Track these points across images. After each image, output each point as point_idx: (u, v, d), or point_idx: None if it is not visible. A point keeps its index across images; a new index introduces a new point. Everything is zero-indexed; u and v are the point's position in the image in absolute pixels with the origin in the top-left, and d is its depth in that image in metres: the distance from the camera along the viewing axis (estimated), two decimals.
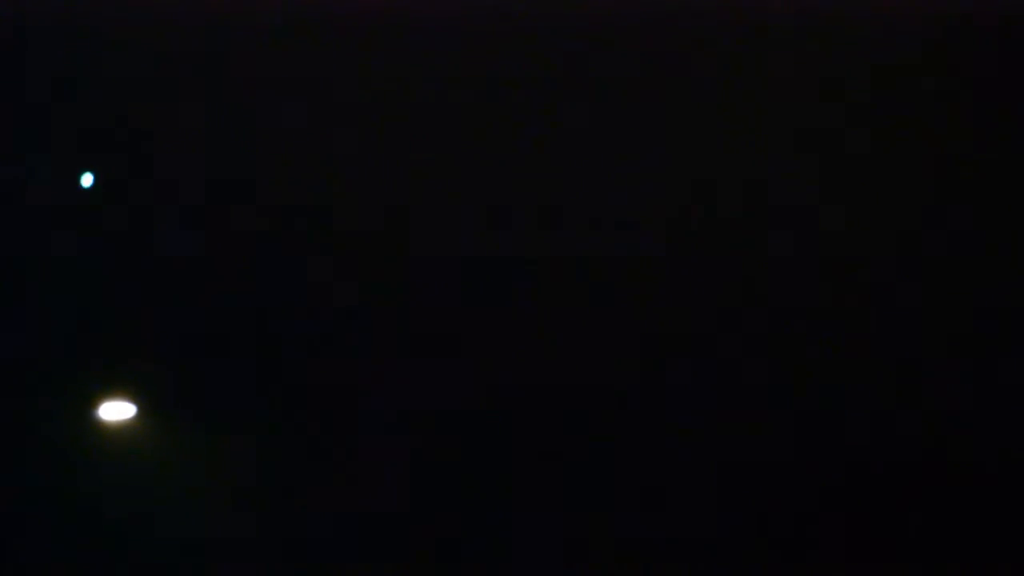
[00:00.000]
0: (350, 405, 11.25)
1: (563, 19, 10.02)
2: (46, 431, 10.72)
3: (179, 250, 10.74)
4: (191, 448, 10.74)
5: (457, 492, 10.65)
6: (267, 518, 10.57)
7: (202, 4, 10.19)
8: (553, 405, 10.80)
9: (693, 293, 10.67)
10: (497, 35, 10.09)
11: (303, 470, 10.80)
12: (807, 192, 10.64)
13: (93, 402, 10.93)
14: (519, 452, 10.87)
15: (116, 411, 10.89)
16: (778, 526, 10.65)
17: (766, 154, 10.35)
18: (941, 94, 10.15)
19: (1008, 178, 10.59)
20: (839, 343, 10.80)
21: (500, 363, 10.80)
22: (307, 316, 11.10)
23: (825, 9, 10.01)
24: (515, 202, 10.56)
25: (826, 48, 10.10)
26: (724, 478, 10.77)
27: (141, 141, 10.73)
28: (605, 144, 10.37)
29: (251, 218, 10.88)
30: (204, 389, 11.00)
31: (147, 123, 10.64)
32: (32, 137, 10.48)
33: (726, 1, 10.00)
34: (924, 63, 10.05)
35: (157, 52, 10.31)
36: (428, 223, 10.67)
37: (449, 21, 9.95)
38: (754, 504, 10.64)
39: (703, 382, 10.74)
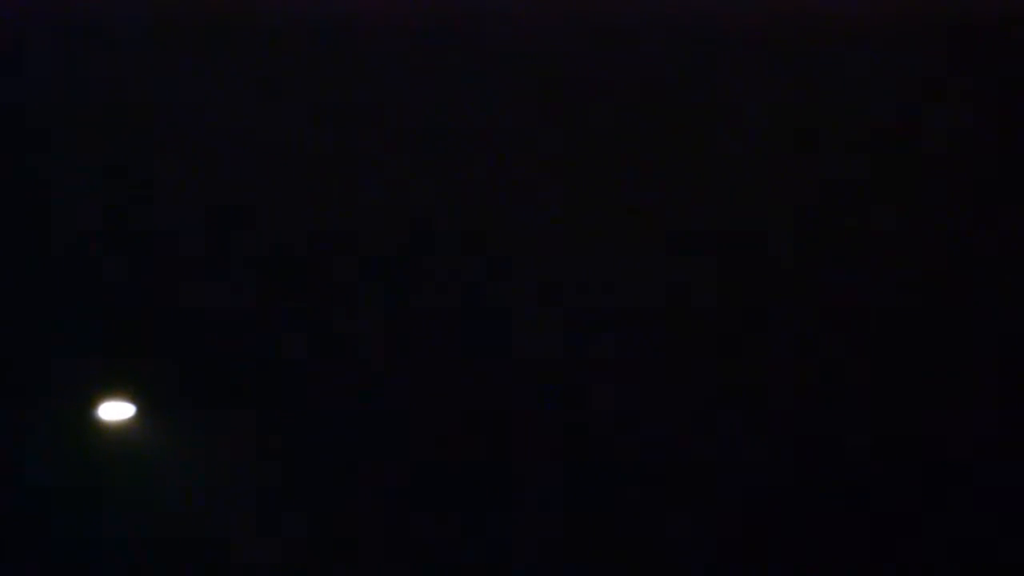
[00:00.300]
0: (351, 405, 11.25)
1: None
2: (46, 431, 10.71)
3: (180, 250, 10.72)
4: (191, 448, 10.73)
5: (458, 494, 10.65)
6: (267, 518, 10.58)
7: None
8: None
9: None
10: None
11: (303, 470, 10.81)
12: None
13: (93, 402, 10.92)
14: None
15: (116, 411, 10.88)
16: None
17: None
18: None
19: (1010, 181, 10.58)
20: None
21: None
22: (307, 315, 11.07)
23: None
24: None
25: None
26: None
27: (141, 138, 10.69)
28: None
29: (251, 218, 10.84)
30: (204, 389, 10.99)
31: (147, 121, 10.61)
32: (32, 137, 10.44)
33: None
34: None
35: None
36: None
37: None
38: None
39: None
